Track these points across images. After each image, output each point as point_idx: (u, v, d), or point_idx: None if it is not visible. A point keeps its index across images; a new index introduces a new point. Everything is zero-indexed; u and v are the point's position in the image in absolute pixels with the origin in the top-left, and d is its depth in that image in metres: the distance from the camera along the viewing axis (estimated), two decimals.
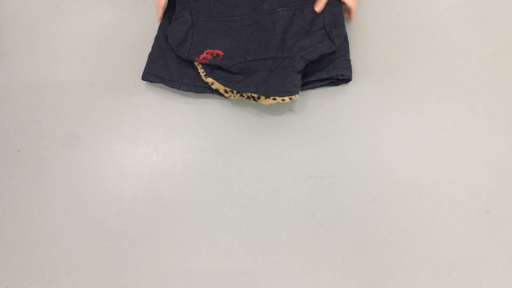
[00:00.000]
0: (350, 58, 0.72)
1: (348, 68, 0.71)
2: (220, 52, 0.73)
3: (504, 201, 0.63)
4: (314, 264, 0.63)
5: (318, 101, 0.73)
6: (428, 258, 0.62)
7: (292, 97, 0.66)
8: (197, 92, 0.74)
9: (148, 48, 0.79)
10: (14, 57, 0.84)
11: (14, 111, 0.79)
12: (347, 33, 0.75)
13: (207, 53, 0.73)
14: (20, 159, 0.75)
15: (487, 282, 0.60)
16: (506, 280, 0.59)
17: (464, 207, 0.63)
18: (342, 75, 0.70)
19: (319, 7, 0.72)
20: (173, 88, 0.74)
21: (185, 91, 0.75)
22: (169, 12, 0.82)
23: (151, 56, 0.77)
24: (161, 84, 0.76)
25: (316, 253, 0.63)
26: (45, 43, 0.84)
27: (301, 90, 0.72)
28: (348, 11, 0.76)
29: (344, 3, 0.73)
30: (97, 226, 0.69)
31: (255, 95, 0.68)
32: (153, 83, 0.78)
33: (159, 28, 0.80)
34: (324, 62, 0.72)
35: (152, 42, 0.79)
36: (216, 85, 0.71)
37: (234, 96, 0.71)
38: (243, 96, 0.70)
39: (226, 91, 0.71)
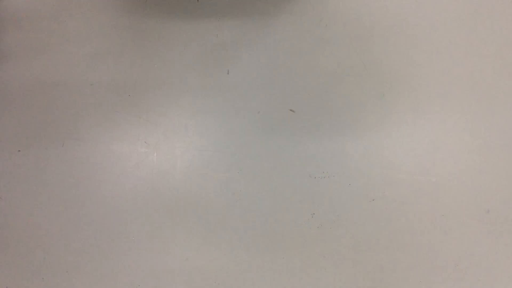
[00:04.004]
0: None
1: None
2: None
3: (504, 201, 0.63)
4: (314, 264, 0.63)
5: (318, 101, 0.73)
6: (428, 258, 0.62)
7: None
8: None
9: (148, 48, 0.79)
10: (14, 57, 0.83)
11: (14, 111, 0.79)
12: (347, 33, 0.75)
13: None
14: (20, 159, 0.75)
15: (487, 282, 0.60)
16: (506, 280, 0.59)
17: (464, 207, 0.63)
18: None
19: None
20: None
21: None
22: None
23: None
24: (161, 84, 0.76)
25: (316, 253, 0.63)
26: (45, 43, 0.84)
27: None
28: None
29: None
30: (97, 226, 0.69)
31: None
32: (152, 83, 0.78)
33: None
34: None
35: (153, 42, 0.79)
36: None
37: None
38: None
39: None
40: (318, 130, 0.71)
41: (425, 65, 0.73)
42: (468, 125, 0.68)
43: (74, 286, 0.66)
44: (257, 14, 0.79)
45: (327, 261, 0.63)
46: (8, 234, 0.70)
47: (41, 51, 0.84)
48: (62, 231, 0.69)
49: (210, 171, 0.70)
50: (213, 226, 0.67)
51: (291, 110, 0.73)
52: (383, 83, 0.73)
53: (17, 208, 0.71)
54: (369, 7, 0.79)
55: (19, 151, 0.75)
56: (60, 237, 0.69)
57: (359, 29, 0.77)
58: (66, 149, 0.75)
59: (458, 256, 0.61)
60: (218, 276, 0.64)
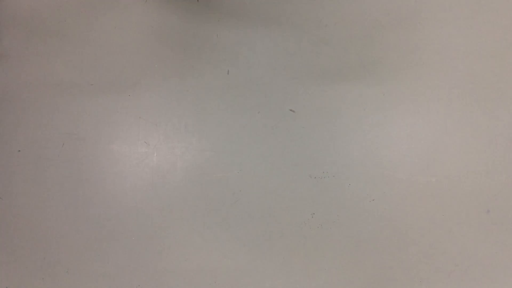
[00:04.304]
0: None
1: None
2: None
3: (504, 201, 0.63)
4: (314, 264, 0.63)
5: (318, 101, 0.73)
6: (428, 258, 0.61)
7: None
8: None
9: (148, 48, 0.79)
10: (14, 57, 0.83)
11: (14, 111, 0.79)
12: (347, 33, 0.75)
13: None
14: (20, 159, 0.75)
15: (487, 282, 0.60)
16: (506, 280, 0.59)
17: (464, 207, 0.63)
18: None
19: None
20: None
21: None
22: None
23: None
24: (161, 84, 0.76)
25: (316, 253, 0.63)
26: (45, 43, 0.84)
27: None
28: None
29: None
30: (97, 226, 0.69)
31: None
32: (152, 83, 0.78)
33: None
34: None
35: (153, 42, 0.79)
36: None
37: None
38: None
39: None
40: (318, 130, 0.71)
41: (425, 65, 0.73)
42: (468, 125, 0.68)
43: (74, 286, 0.66)
44: (257, 14, 0.79)
45: (327, 261, 0.63)
46: (8, 234, 0.70)
47: (41, 51, 0.84)
48: (62, 231, 0.69)
49: (210, 171, 0.70)
50: (213, 226, 0.67)
51: (291, 110, 0.73)
52: (383, 83, 0.73)
53: (17, 208, 0.71)
54: (369, 7, 0.79)
55: (19, 151, 0.75)
56: (60, 237, 0.69)
57: (359, 29, 0.77)
58: (66, 149, 0.75)
59: (458, 256, 0.61)
60: (218, 276, 0.64)
